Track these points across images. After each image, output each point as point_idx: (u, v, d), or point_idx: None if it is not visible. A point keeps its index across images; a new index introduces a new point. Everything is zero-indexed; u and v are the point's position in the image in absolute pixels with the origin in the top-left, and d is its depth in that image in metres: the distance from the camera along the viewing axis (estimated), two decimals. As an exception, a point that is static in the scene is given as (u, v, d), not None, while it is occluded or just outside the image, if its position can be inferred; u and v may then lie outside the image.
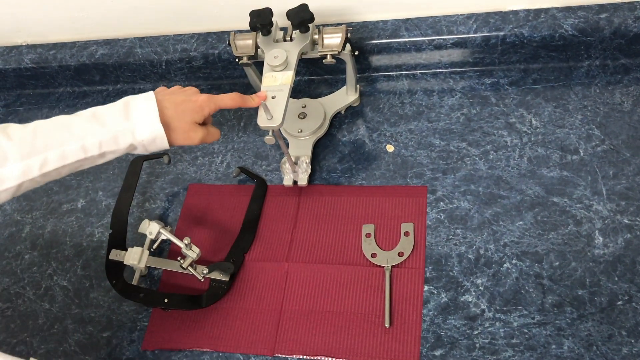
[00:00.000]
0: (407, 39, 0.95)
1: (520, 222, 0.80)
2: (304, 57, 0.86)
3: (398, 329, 0.75)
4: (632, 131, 0.85)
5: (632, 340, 0.69)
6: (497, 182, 0.84)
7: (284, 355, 0.77)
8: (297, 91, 1.02)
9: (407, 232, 0.82)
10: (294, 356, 0.76)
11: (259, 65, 0.90)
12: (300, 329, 0.78)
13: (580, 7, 0.90)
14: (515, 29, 0.91)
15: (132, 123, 0.69)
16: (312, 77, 1.04)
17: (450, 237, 0.81)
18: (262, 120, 0.77)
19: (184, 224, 0.91)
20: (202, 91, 0.76)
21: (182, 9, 1.02)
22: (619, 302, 0.72)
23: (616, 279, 0.74)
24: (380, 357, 0.74)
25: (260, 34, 0.85)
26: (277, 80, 0.80)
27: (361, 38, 0.96)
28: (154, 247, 0.84)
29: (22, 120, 1.12)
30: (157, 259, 0.85)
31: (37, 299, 0.89)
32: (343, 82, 0.99)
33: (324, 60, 0.85)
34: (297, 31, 0.84)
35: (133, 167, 0.93)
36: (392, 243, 0.82)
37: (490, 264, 0.78)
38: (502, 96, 0.93)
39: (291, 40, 0.85)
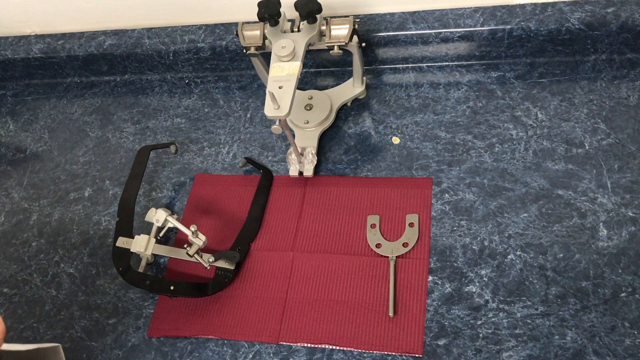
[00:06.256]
0: (414, 32, 0.95)
1: (525, 214, 0.80)
2: (311, 48, 0.87)
3: (402, 318, 0.76)
4: (637, 125, 0.85)
5: (635, 332, 0.70)
6: (502, 174, 0.85)
7: (288, 343, 0.77)
8: (303, 83, 1.03)
9: (412, 223, 0.83)
10: (299, 344, 0.77)
11: (266, 56, 0.91)
12: (305, 317, 0.79)
13: (587, 1, 0.90)
14: (522, 23, 0.91)
15: None
16: (319, 69, 1.04)
17: (455, 228, 0.81)
18: (269, 110, 0.78)
19: (190, 214, 0.92)
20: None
21: (190, 0, 1.03)
22: (623, 294, 0.72)
23: (620, 271, 0.74)
24: (384, 346, 0.74)
25: (268, 24, 0.86)
26: (284, 71, 0.81)
27: (368, 30, 0.96)
28: (161, 234, 0.85)
29: (30, 109, 1.13)
30: (164, 247, 0.86)
31: (44, 285, 0.90)
32: (350, 74, 0.99)
33: (331, 52, 0.85)
34: (305, 22, 0.85)
35: (140, 156, 0.93)
36: (397, 234, 0.83)
37: (495, 255, 0.78)
38: (508, 89, 0.93)
39: (299, 31, 0.85)
